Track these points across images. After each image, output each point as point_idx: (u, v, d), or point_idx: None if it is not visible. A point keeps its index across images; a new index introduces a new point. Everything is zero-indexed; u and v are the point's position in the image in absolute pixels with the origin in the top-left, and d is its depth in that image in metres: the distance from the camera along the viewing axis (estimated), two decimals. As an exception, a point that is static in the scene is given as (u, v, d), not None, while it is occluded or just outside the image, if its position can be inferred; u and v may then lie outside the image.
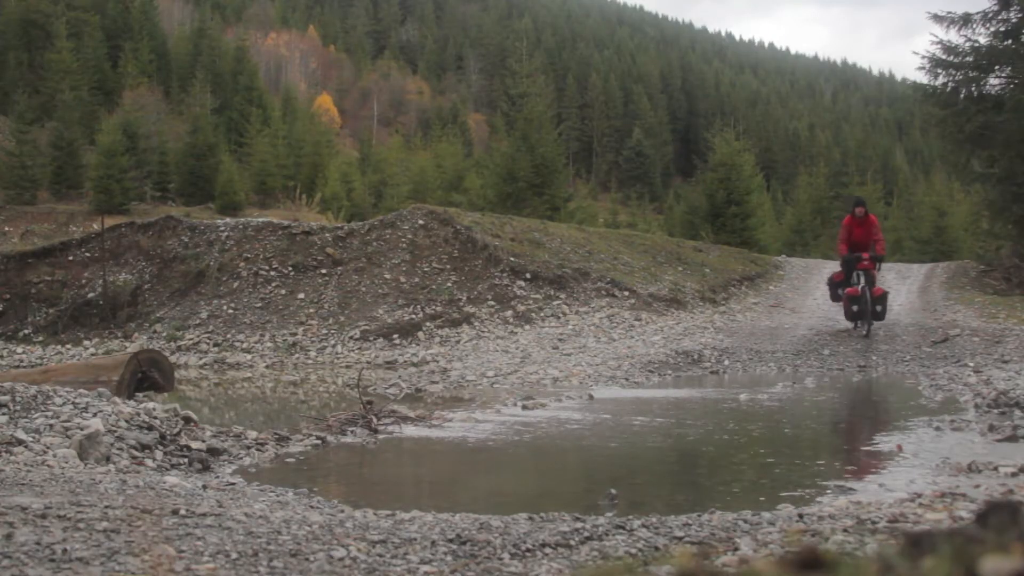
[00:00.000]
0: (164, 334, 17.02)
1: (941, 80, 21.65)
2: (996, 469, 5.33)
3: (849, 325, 13.90)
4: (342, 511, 4.38)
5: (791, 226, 39.91)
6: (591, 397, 9.61)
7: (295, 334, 16.45)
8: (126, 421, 6.18)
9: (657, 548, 3.43)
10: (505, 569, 3.07)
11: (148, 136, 40.74)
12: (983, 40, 21.19)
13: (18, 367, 14.48)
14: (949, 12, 21.06)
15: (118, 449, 5.73)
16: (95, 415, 6.16)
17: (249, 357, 15.53)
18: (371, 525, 3.77)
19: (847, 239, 13.60)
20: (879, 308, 13.40)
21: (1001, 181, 21.37)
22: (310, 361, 15.16)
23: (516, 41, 43.37)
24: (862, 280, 13.13)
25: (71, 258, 19.84)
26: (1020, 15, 20.69)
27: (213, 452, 6.16)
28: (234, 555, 2.97)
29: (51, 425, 5.88)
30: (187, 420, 6.72)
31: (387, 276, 17.78)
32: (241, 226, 19.71)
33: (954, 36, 21.50)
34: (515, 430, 7.61)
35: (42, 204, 34.15)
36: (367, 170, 49.24)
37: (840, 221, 15.24)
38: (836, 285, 14.15)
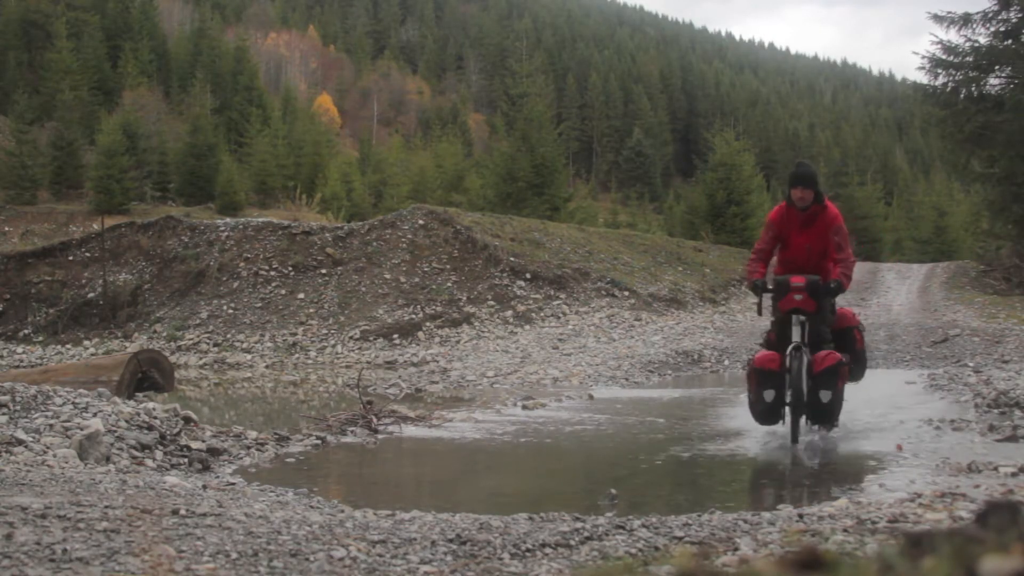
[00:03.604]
0: (164, 334, 17.02)
1: (941, 80, 21.68)
2: (996, 469, 5.33)
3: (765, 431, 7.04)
4: (342, 511, 4.38)
5: (791, 226, 39.77)
6: (591, 397, 9.61)
7: (295, 334, 16.44)
8: (126, 421, 6.18)
9: (657, 548, 3.43)
10: (505, 569, 3.06)
11: (148, 136, 40.72)
12: (983, 40, 21.22)
13: (18, 367, 14.48)
14: (949, 12, 21.08)
15: (118, 449, 5.73)
16: (95, 415, 6.15)
17: (249, 357, 15.53)
18: (371, 525, 3.77)
19: (770, 249, 7.12)
20: (825, 397, 6.54)
21: (1001, 181, 21.38)
22: (310, 361, 15.15)
23: (516, 41, 43.41)
24: (796, 336, 6.64)
25: (71, 258, 19.84)
26: (1020, 15, 20.69)
27: (213, 452, 6.16)
28: (234, 555, 2.97)
29: (51, 425, 5.88)
30: (187, 420, 6.71)
31: (387, 276, 17.77)
32: (241, 226, 19.71)
33: (954, 36, 21.54)
34: (515, 430, 7.61)
35: (42, 204, 34.12)
36: (367, 170, 49.22)
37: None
38: (765, 378, 6.68)
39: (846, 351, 6.88)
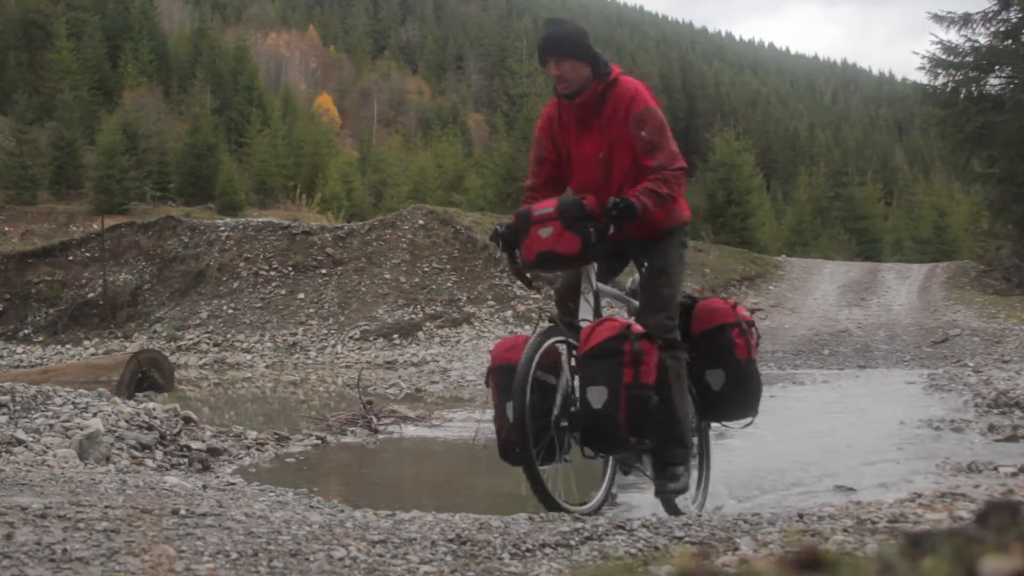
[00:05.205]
0: (164, 334, 17.02)
1: (941, 80, 21.72)
2: (996, 469, 5.32)
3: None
4: (342, 511, 4.37)
5: (791, 226, 39.85)
6: (591, 397, 9.60)
7: (295, 334, 16.45)
8: (126, 421, 6.18)
9: (657, 548, 3.43)
10: (505, 569, 3.06)
11: (148, 136, 40.74)
12: (983, 40, 21.25)
13: (18, 367, 14.48)
14: (949, 12, 21.12)
15: (118, 449, 5.73)
16: (95, 415, 6.16)
17: (249, 357, 15.53)
18: (371, 525, 3.77)
19: (544, 182, 4.14)
20: (596, 399, 3.55)
21: (1001, 181, 21.41)
22: (310, 361, 15.15)
23: (516, 41, 43.40)
24: (583, 310, 3.85)
25: (71, 258, 19.85)
26: (1020, 15, 20.71)
27: (213, 452, 6.16)
28: (234, 555, 2.97)
29: (51, 425, 5.88)
30: (187, 420, 6.71)
31: (387, 276, 17.78)
32: (241, 226, 19.72)
33: (954, 36, 21.60)
34: (515, 430, 7.60)
35: (42, 204, 34.13)
36: (367, 170, 49.25)
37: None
38: (505, 380, 3.70)
39: (718, 365, 4.17)
